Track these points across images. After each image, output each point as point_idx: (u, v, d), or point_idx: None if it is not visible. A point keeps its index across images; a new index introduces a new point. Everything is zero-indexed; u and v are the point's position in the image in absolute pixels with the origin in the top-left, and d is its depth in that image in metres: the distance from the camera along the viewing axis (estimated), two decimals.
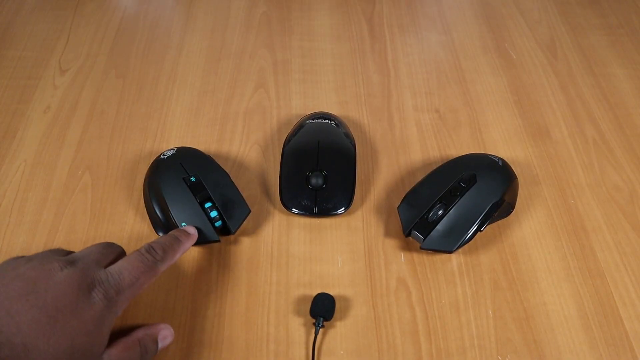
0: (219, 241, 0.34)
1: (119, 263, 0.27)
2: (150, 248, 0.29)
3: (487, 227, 0.36)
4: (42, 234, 0.36)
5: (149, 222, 0.36)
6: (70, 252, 0.29)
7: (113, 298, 0.26)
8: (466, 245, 0.35)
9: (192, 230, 0.33)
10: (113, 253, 0.29)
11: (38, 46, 0.50)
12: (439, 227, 0.34)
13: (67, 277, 0.25)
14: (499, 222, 0.37)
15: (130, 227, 0.37)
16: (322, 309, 0.32)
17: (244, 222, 0.35)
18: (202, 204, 0.34)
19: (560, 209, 0.38)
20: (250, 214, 0.36)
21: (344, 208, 0.36)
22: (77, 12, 0.54)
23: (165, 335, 0.29)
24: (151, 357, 0.29)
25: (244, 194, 0.37)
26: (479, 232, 0.34)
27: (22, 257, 0.28)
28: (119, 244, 0.35)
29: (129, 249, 0.30)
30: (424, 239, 0.34)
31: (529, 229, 0.37)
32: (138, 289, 0.27)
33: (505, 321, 0.32)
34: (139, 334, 0.28)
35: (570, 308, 0.33)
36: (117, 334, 0.27)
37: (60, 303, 0.24)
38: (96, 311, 0.25)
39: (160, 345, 0.29)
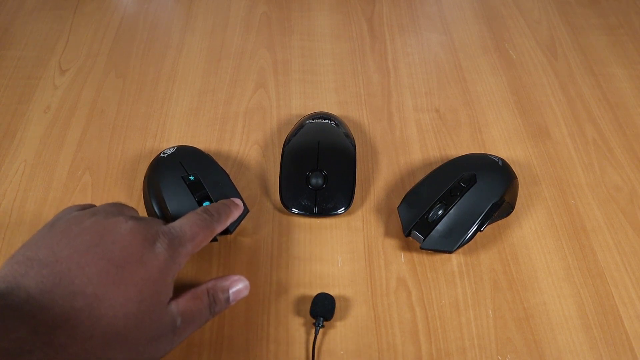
0: (216, 240, 0.34)
1: (179, 220, 0.29)
2: (205, 209, 0.30)
3: (487, 227, 0.36)
4: None
5: None
6: (128, 207, 0.30)
7: (176, 249, 0.26)
8: (466, 245, 0.35)
9: (239, 202, 0.33)
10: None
11: (38, 46, 0.50)
12: (439, 227, 0.34)
13: (132, 228, 0.26)
14: (499, 222, 0.37)
15: None
16: (322, 309, 0.32)
17: (244, 222, 0.35)
18: (200, 203, 0.34)
19: (560, 209, 0.38)
20: (250, 213, 0.36)
21: (344, 208, 0.36)
22: (77, 12, 0.54)
23: (239, 288, 0.29)
24: (222, 309, 0.29)
25: (244, 194, 0.37)
26: (479, 232, 0.34)
27: (80, 208, 0.28)
28: None
29: None
30: (424, 239, 0.34)
31: (529, 229, 0.37)
32: (197, 245, 0.28)
33: (505, 321, 0.32)
34: (208, 284, 0.29)
35: (570, 308, 0.33)
36: (188, 287, 0.28)
37: (126, 253, 0.24)
38: (161, 261, 0.25)
39: (232, 297, 0.29)
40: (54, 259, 0.23)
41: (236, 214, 0.33)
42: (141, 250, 0.25)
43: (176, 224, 0.28)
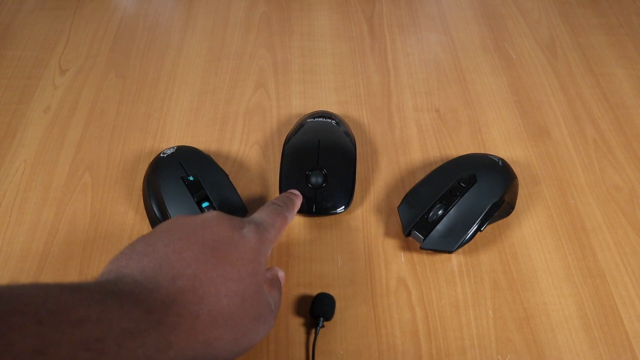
0: None
1: (255, 213, 0.30)
2: (272, 202, 0.32)
3: (487, 227, 0.36)
4: (42, 234, 0.36)
5: (149, 222, 0.36)
6: None
7: (262, 234, 0.28)
8: (466, 245, 0.35)
9: (297, 192, 0.35)
10: None
11: (38, 46, 0.50)
12: (439, 227, 0.34)
13: (219, 218, 0.27)
14: (499, 222, 0.37)
15: (131, 227, 0.37)
16: (322, 309, 0.32)
17: None
18: (199, 204, 0.34)
19: (560, 209, 0.38)
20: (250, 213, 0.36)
21: (343, 207, 0.36)
22: (77, 12, 0.54)
23: (282, 275, 0.31)
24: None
25: (244, 194, 0.37)
26: (479, 232, 0.34)
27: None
28: (119, 244, 0.36)
29: None
30: (424, 239, 0.34)
31: (529, 229, 0.37)
32: (277, 232, 0.30)
33: (505, 321, 0.32)
34: (271, 271, 0.30)
35: (570, 308, 0.33)
36: None
37: (217, 236, 0.26)
38: (252, 243, 0.27)
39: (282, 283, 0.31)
40: (152, 249, 0.24)
41: (298, 202, 0.34)
42: (231, 234, 0.26)
43: (255, 214, 0.30)
